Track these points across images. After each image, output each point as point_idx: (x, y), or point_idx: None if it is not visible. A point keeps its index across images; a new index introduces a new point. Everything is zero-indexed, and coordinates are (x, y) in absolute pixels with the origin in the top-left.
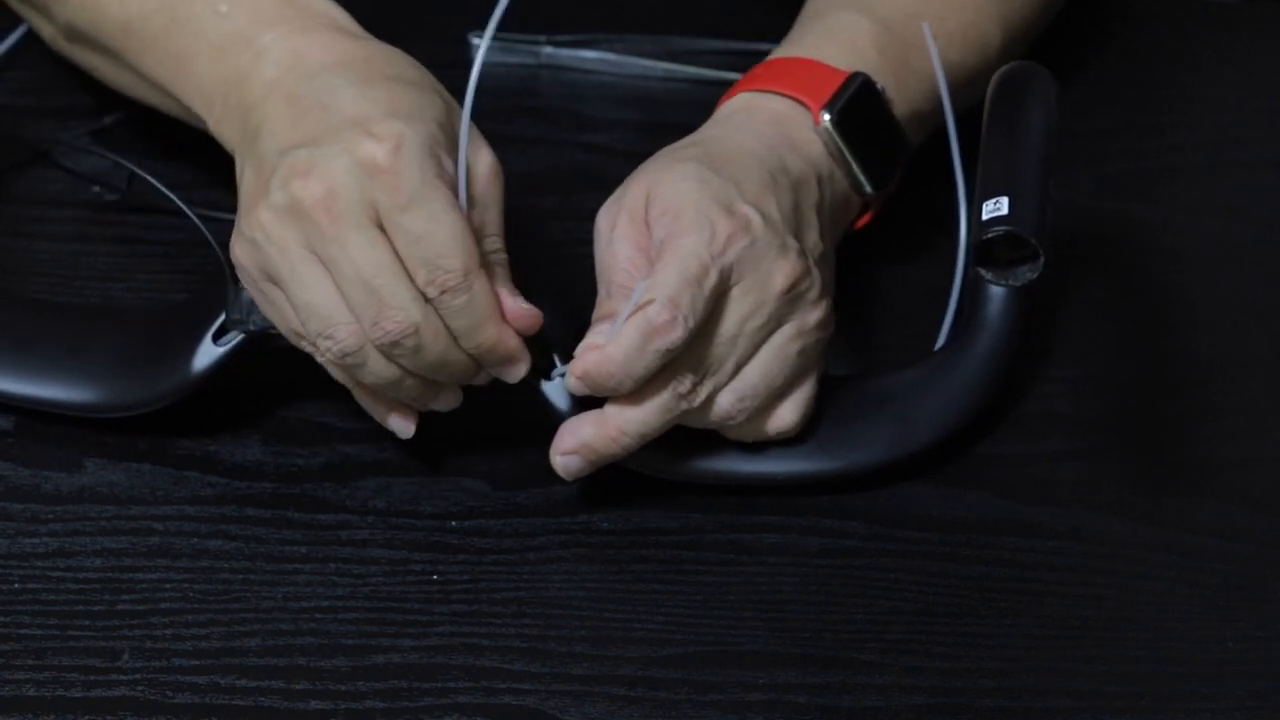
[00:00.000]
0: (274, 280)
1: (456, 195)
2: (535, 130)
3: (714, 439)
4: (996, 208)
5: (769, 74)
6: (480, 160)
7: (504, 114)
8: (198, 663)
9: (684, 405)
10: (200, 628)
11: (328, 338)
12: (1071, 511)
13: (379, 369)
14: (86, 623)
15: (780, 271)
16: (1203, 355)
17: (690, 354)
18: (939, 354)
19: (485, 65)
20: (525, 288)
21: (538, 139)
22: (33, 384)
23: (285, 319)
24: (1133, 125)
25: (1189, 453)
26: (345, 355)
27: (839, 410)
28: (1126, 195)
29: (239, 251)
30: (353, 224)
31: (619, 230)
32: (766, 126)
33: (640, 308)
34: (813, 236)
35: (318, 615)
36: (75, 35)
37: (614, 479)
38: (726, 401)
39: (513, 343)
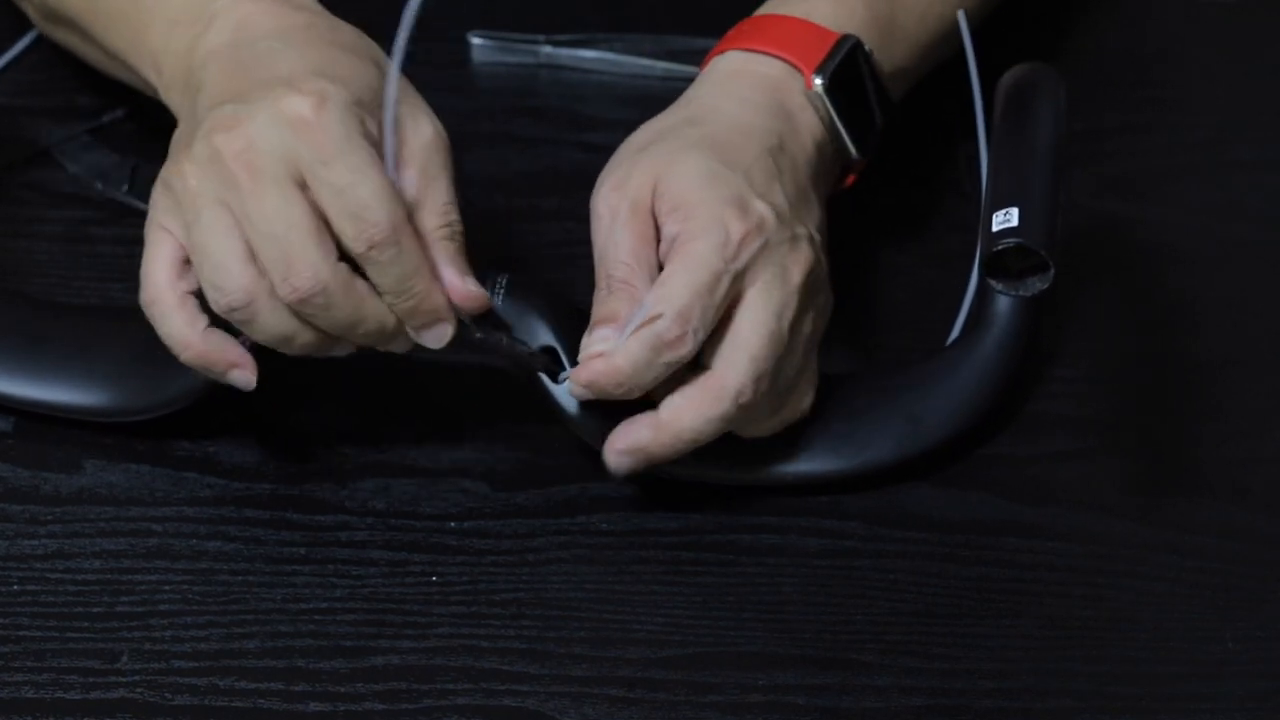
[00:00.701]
0: (181, 224)
1: (383, 158)
2: (535, 130)
3: (725, 441)
4: (1006, 219)
5: (760, 32)
6: (421, 131)
7: (504, 114)
8: (196, 664)
9: (744, 414)
10: (199, 629)
11: (217, 288)
12: (1071, 512)
13: (270, 324)
14: (85, 624)
15: (796, 265)
16: (1203, 355)
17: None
18: (948, 353)
19: (485, 65)
20: (526, 285)
21: (538, 139)
22: (41, 388)
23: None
24: (1133, 125)
25: (1189, 453)
26: (234, 309)
27: (848, 410)
28: (1126, 195)
29: (155, 197)
30: (270, 179)
31: (621, 220)
32: (761, 94)
33: (649, 320)
34: (817, 215)
35: (317, 617)
36: (49, 14)
37: (612, 479)
38: (775, 398)
39: (440, 300)
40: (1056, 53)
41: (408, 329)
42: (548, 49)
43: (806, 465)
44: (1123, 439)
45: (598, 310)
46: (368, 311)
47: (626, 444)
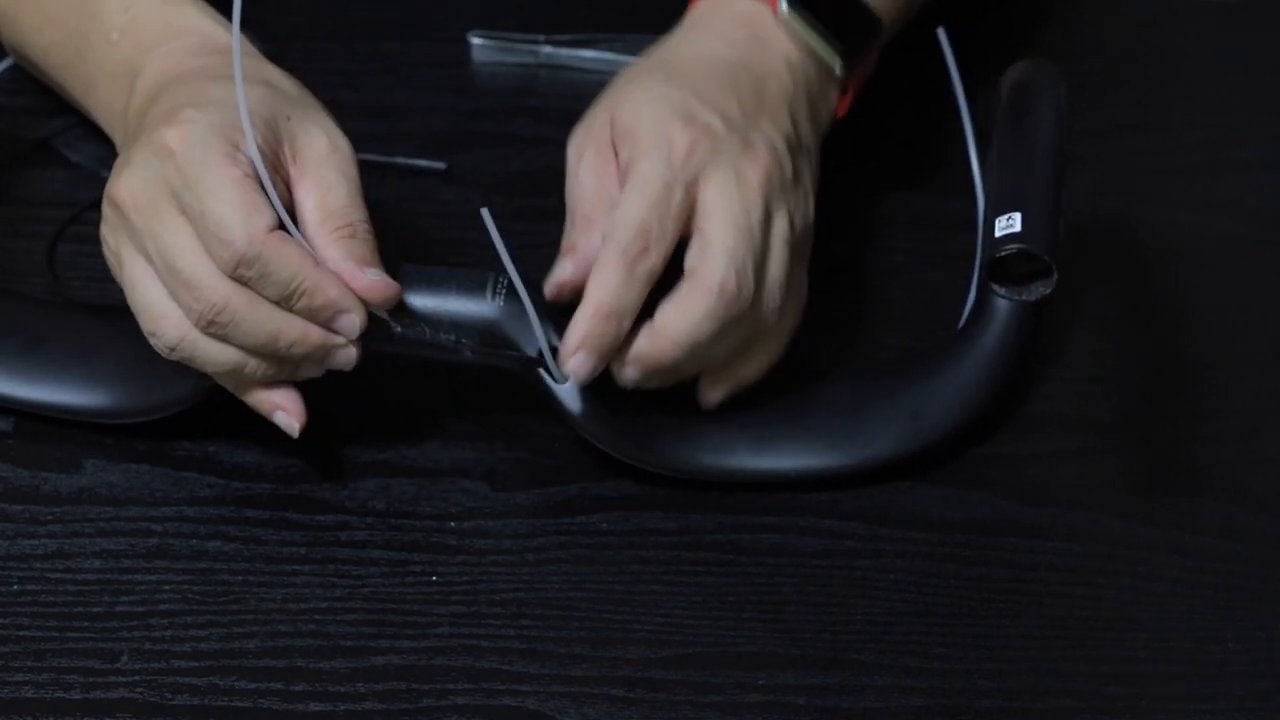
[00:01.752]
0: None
1: (269, 169)
2: (535, 130)
3: (727, 437)
4: (1009, 224)
5: None
6: (314, 141)
7: (504, 114)
8: (197, 664)
9: (733, 314)
10: (199, 629)
11: (152, 335)
12: (1071, 512)
13: (213, 355)
14: (85, 624)
15: (752, 167)
16: (1203, 355)
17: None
18: (949, 347)
19: (485, 65)
20: (528, 284)
21: (538, 139)
22: (43, 390)
23: None
24: (1133, 125)
25: (1189, 453)
26: (172, 349)
27: (850, 406)
28: (1126, 195)
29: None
30: (154, 213)
31: (585, 161)
32: (729, 28)
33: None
34: (783, 125)
35: (316, 616)
36: (15, 53)
37: (612, 479)
38: (766, 301)
39: (332, 293)
40: (1056, 52)
41: (320, 324)
42: (548, 49)
43: (808, 460)
44: (1123, 439)
45: (563, 243)
46: (279, 323)
47: (629, 354)
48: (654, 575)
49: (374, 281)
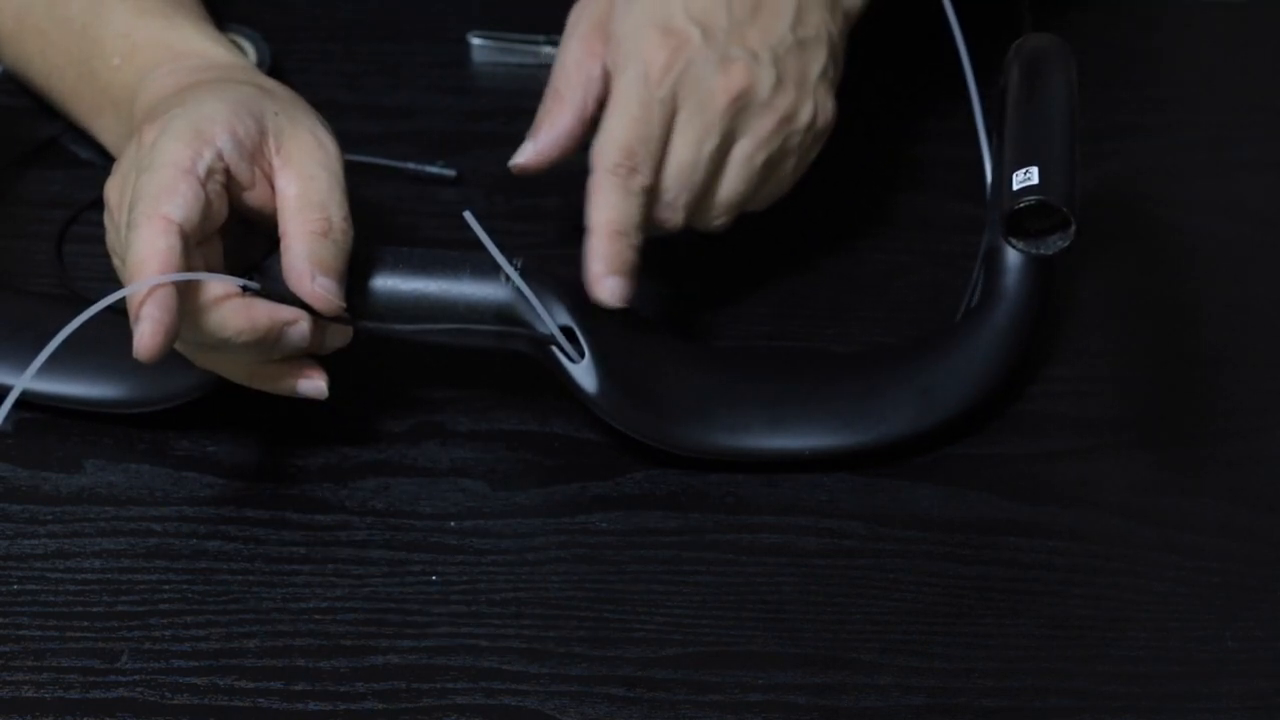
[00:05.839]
0: None
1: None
2: None
3: (742, 416)
4: (1026, 178)
5: None
6: (299, 134)
7: (504, 114)
8: (196, 664)
9: (670, 224)
10: (199, 629)
11: None
12: (1071, 511)
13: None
14: (85, 624)
15: (722, 88)
16: (1203, 354)
17: (661, 185)
18: (959, 325)
19: (485, 65)
20: (541, 268)
21: None
22: (59, 383)
23: None
24: (1133, 125)
25: (1189, 453)
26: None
27: (862, 385)
28: (1126, 195)
29: None
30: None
31: (578, 30)
32: None
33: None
34: (777, 30)
35: (316, 616)
36: (19, 79)
37: (612, 479)
38: (706, 219)
39: (151, 266)
40: None
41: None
42: (548, 49)
43: (822, 440)
44: (1123, 439)
45: (537, 116)
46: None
47: (599, 270)
48: (654, 575)
49: (318, 290)
